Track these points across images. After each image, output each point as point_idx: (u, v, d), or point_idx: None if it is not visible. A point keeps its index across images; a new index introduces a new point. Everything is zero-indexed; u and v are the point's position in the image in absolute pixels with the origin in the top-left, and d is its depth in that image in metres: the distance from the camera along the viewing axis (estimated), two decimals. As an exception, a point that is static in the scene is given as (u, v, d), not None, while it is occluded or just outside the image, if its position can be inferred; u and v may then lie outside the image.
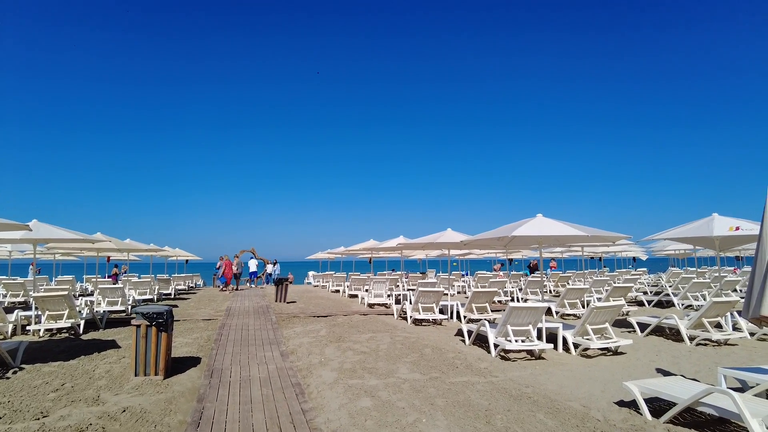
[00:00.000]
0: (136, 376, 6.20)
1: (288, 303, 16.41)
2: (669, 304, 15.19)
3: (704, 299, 14.25)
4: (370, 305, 15.23)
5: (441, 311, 11.85)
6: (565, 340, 8.29)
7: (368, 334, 9.72)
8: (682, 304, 14.39)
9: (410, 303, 12.14)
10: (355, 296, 18.92)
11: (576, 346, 8.16)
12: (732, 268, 33.84)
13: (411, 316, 11.31)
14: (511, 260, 39.36)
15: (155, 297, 17.96)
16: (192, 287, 27.94)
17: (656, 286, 23.16)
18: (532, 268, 38.68)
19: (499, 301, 16.50)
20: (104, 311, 11.79)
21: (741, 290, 17.33)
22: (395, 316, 12.41)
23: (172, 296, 20.52)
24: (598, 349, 8.04)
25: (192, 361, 7.44)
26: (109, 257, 27.68)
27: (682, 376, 6.33)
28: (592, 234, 7.54)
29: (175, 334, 9.92)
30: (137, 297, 16.80)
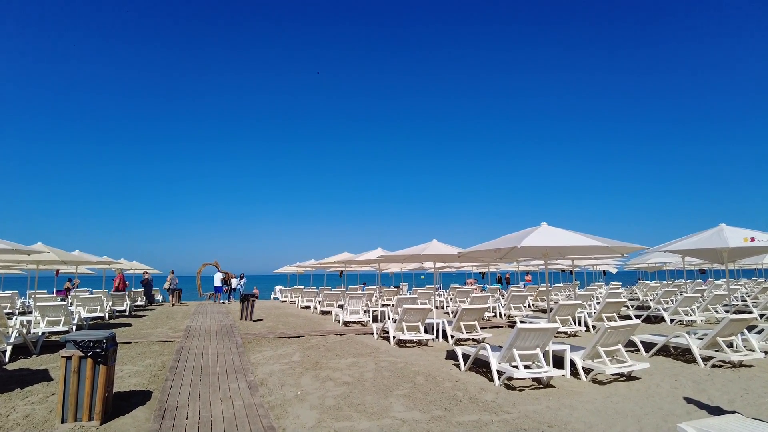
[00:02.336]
0: (63, 422, 4.89)
1: (254, 321, 15.05)
2: (657, 319, 14.61)
3: (694, 314, 13.71)
4: (346, 323, 14.05)
5: (425, 330, 10.80)
6: (573, 363, 7.37)
7: (349, 359, 8.57)
8: (672, 320, 13.82)
9: (392, 321, 11.06)
10: (328, 313, 17.68)
11: (586, 370, 7.26)
12: (699, 281, 33.85)
13: (394, 337, 10.21)
14: (483, 274, 38.80)
15: (107, 314, 16.27)
16: (149, 303, 26.05)
17: (636, 300, 22.80)
18: (504, 282, 38.15)
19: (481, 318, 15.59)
20: (42, 333, 10.26)
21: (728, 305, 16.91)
22: (375, 335, 11.29)
23: (127, 313, 18.82)
24: (610, 373, 7.16)
25: (141, 397, 6.15)
26: (58, 271, 25.59)
27: (734, 412, 5.48)
28: (611, 245, 6.69)
29: (124, 359, 8.55)
30: (85, 315, 15.14)
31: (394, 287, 27.44)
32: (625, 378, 7.20)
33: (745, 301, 18.39)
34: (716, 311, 14.14)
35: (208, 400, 6.02)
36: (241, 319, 15.27)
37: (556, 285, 28.85)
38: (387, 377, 7.17)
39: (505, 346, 6.81)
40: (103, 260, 17.18)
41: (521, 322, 13.20)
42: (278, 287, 32.08)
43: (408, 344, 10.29)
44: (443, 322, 11.02)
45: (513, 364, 6.85)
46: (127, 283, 22.35)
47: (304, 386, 6.69)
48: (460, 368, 7.80)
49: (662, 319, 14.39)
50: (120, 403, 5.76)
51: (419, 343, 10.43)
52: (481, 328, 11.00)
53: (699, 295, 14.27)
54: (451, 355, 8.96)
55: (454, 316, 15.64)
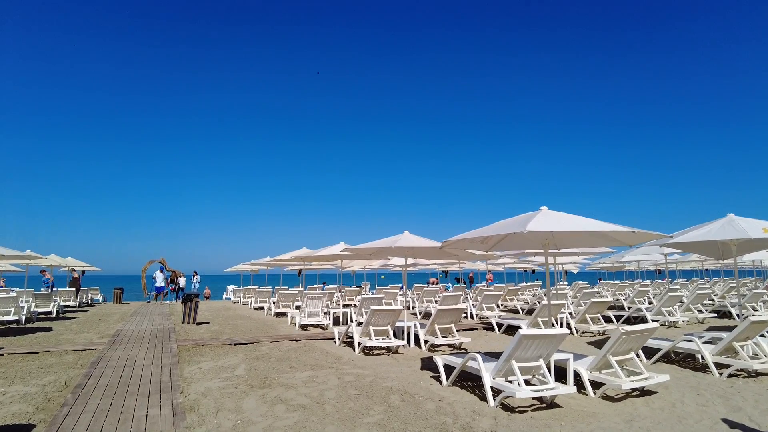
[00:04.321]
0: None
1: (198, 325, 13.25)
2: (638, 320, 13.74)
3: (676, 314, 12.89)
4: (303, 327, 12.49)
5: (394, 334, 9.40)
6: (577, 375, 6.14)
7: (306, 372, 7.05)
8: (654, 320, 12.95)
9: (356, 324, 9.62)
10: (284, 315, 16.03)
11: (593, 384, 6.04)
12: (659, 281, 33.74)
13: (360, 343, 8.76)
14: (446, 273, 37.82)
15: (23, 317, 14.05)
16: (86, 303, 23.58)
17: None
18: (468, 281, 37.30)
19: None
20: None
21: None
22: (337, 341, 9.80)
23: (54, 315, 16.57)
24: (626, 389, 5.95)
25: (15, 434, 4.47)
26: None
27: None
28: (638, 231, 5.47)
29: (17, 377, 6.75)
30: (-6, 319, 12.97)
31: (356, 287, 25.96)
32: (638, 393, 6.02)
33: (712, 300, 17.92)
34: (699, 311, 13.40)
35: (113, 435, 4.41)
36: (182, 323, 13.44)
37: (522, 284, 28.08)
38: (354, 397, 5.72)
39: (502, 358, 5.48)
40: (24, 255, 14.95)
41: (498, 324, 12.03)
42: (230, 287, 30.04)
43: (375, 351, 8.87)
44: (415, 326, 9.65)
45: (510, 379, 5.55)
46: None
47: (247, 411, 5.16)
48: (441, 382, 6.43)
49: (642, 320, 13.54)
50: (-23, 447, 4.08)
51: (388, 349, 9.01)
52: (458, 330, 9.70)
53: (683, 294, 13.51)
54: (428, 365, 7.59)
55: (423, 318, 14.37)
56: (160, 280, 23.06)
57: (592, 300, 11.03)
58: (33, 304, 16.07)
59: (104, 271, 29.72)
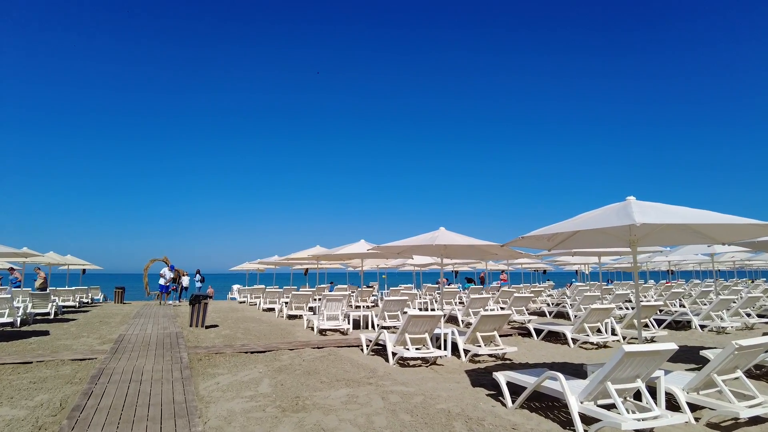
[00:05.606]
0: None
1: (207, 328, 12.26)
2: (679, 324, 12.75)
3: (724, 319, 11.89)
4: (322, 331, 11.49)
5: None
6: (670, 397, 5.14)
7: (341, 390, 6.05)
8: (702, 326, 11.95)
9: (384, 330, 8.63)
10: (297, 317, 15.03)
11: (691, 406, 5.04)
12: (665, 282, 32.66)
13: (394, 353, 7.76)
14: (456, 273, 36.78)
15: (19, 319, 13.06)
16: (87, 303, 22.62)
17: (627, 302, 21.18)
18: (479, 281, 36.30)
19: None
20: None
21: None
22: (365, 350, 8.81)
23: (52, 317, 15.61)
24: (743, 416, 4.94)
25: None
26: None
27: None
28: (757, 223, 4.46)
29: (4, 396, 5.76)
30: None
31: (366, 287, 24.96)
32: (747, 420, 5.01)
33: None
34: (748, 315, 12.39)
35: (119, 482, 3.42)
36: (190, 326, 12.44)
37: (536, 285, 27.04)
38: (409, 425, 4.72)
39: (596, 378, 4.47)
40: (21, 252, 13.96)
41: (537, 330, 11.02)
42: (236, 286, 29.03)
43: (410, 362, 7.87)
44: (452, 332, 8.65)
45: (601, 403, 4.56)
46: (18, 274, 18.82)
47: (284, 446, 4.16)
48: (504, 404, 5.43)
49: (684, 325, 12.56)
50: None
51: (424, 360, 8.02)
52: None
53: (734, 297, 12.51)
54: (478, 381, 6.60)
55: (447, 322, 13.33)
56: (167, 279, 22.04)
57: (642, 304, 10.03)
58: (30, 305, 15.12)
59: (105, 270, 28.81)
